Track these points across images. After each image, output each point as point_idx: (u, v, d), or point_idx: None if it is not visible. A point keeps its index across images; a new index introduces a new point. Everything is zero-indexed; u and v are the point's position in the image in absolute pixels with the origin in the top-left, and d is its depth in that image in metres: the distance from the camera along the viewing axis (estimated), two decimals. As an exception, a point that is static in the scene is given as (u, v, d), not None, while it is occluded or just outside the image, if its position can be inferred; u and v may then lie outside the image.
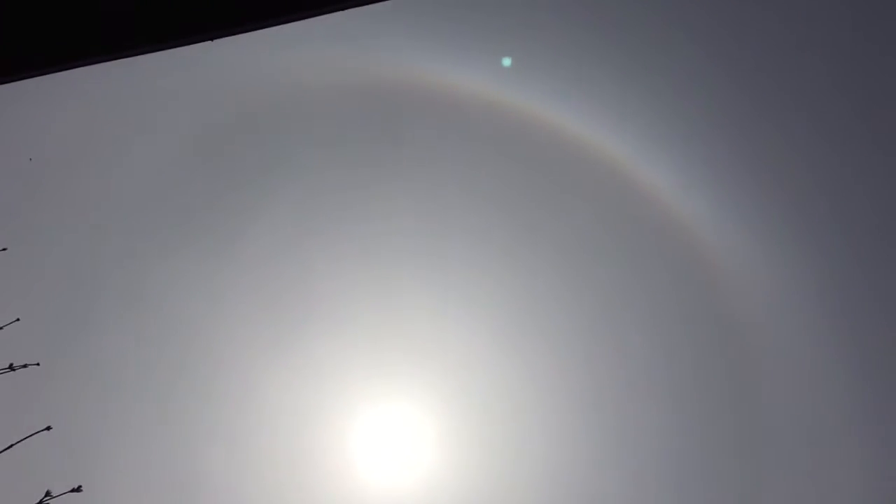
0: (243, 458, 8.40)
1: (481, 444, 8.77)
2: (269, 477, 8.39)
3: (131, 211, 8.51)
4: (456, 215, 9.01)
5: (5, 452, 3.43)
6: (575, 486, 8.55)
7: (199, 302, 8.66)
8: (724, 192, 8.68)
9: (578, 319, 8.98)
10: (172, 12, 2.30)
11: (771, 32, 8.09)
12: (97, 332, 8.06)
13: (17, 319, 3.45)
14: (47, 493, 3.41)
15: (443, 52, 8.68)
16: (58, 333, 7.65)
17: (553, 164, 8.90)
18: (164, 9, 2.30)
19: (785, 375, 8.30)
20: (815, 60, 8.01)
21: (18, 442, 3.42)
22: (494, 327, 9.04)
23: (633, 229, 8.91)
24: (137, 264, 8.48)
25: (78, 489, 3.44)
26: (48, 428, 3.43)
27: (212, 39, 2.32)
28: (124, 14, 2.28)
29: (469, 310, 9.03)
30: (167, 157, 8.71)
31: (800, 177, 8.31)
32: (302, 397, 8.73)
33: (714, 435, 8.51)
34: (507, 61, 8.52)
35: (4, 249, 3.35)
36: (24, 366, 3.35)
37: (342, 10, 2.27)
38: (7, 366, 3.35)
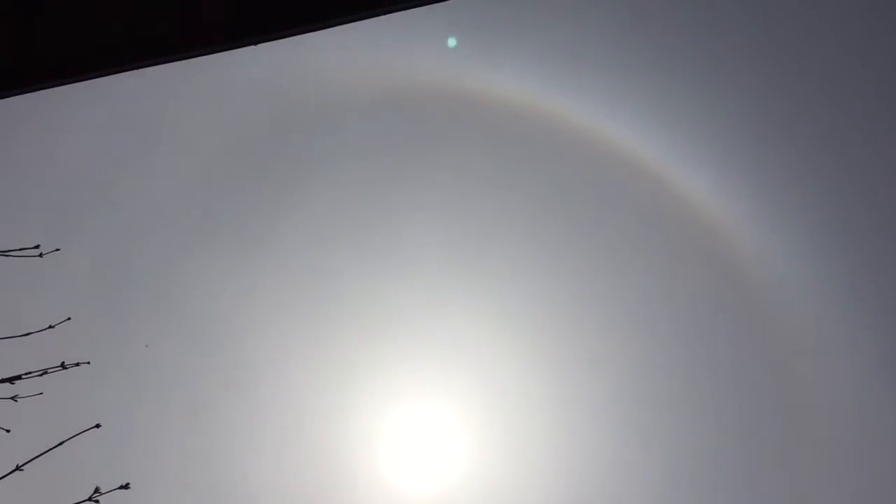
0: (274, 458, 8.47)
1: (512, 447, 8.74)
2: (298, 477, 8.45)
3: (170, 213, 8.63)
4: (489, 217, 8.99)
5: (56, 449, 3.49)
6: (608, 488, 8.48)
7: (232, 301, 8.75)
8: (761, 193, 8.56)
9: (614, 322, 8.91)
10: (213, 19, 2.32)
11: (815, 21, 7.96)
12: (139, 330, 8.20)
13: (69, 318, 3.52)
14: (96, 490, 3.46)
15: (481, 60, 8.68)
16: (105, 332, 7.80)
17: (585, 166, 8.85)
18: (206, 15, 2.32)
19: (827, 378, 8.15)
20: (860, 51, 7.86)
21: (69, 439, 3.48)
22: (529, 329, 9.01)
23: (668, 231, 8.81)
24: (175, 264, 8.61)
25: (126, 486, 3.48)
26: (97, 426, 3.48)
27: (254, 45, 2.34)
28: (170, 15, 2.31)
29: (503, 311, 9.00)
30: (201, 162, 8.82)
31: (840, 174, 8.16)
32: (331, 397, 8.77)
33: (752, 438, 8.38)
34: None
35: (58, 250, 3.41)
36: (77, 364, 3.41)
37: (385, 13, 2.28)
38: (59, 364, 3.41)
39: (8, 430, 3.41)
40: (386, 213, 8.92)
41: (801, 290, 8.42)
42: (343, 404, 8.63)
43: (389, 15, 2.18)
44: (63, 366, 3.41)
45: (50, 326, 3.54)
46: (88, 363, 3.46)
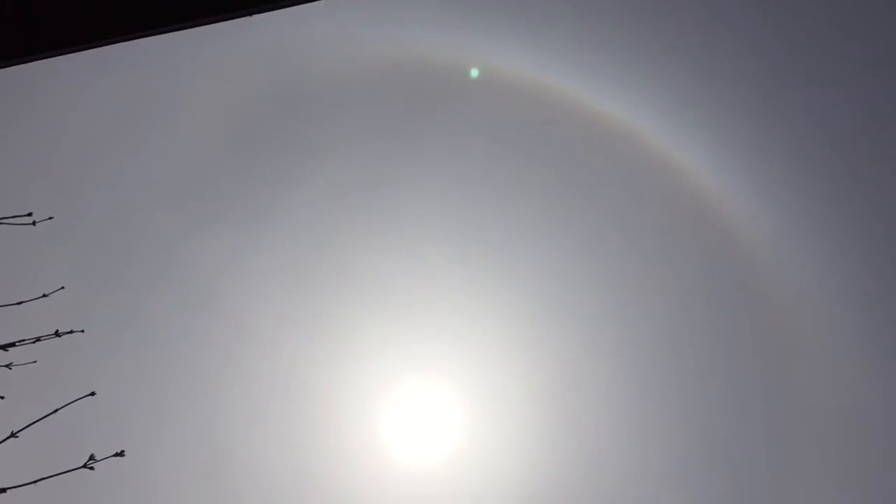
0: (274, 433, 8.53)
1: (513, 425, 8.78)
2: (299, 453, 8.50)
3: (169, 184, 8.62)
4: (488, 195, 8.97)
5: (51, 416, 3.52)
6: (605, 467, 8.54)
7: (231, 275, 8.76)
8: (760, 173, 8.52)
9: (614, 301, 8.92)
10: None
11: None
12: (137, 301, 8.22)
13: (62, 287, 3.53)
14: (91, 457, 3.48)
15: (485, 37, 8.61)
16: (99, 302, 7.82)
17: (584, 144, 8.81)
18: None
19: (824, 364, 8.17)
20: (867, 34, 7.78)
21: (64, 407, 3.50)
22: (530, 307, 9.02)
23: (669, 211, 8.78)
24: (175, 236, 8.61)
25: (121, 454, 3.50)
26: (92, 393, 3.50)
27: (250, 15, 2.33)
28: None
29: (504, 289, 9.01)
30: (202, 131, 8.78)
31: (844, 157, 8.11)
32: (333, 374, 8.80)
33: (747, 423, 8.42)
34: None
35: (51, 218, 3.41)
36: (70, 332, 3.43)
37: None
38: (53, 332, 3.43)
39: (2, 397, 3.43)
40: (387, 189, 8.91)
41: (801, 273, 8.42)
42: (344, 381, 8.68)
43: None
44: (57, 334, 3.43)
45: (44, 295, 3.55)
46: (83, 331, 3.48)
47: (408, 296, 8.89)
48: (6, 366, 3.44)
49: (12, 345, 3.39)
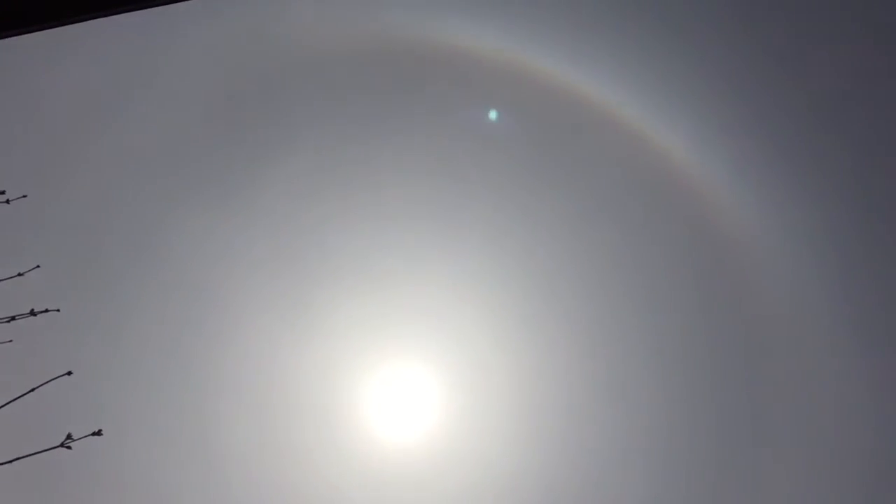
0: (254, 413, 8.54)
1: (491, 406, 8.86)
2: (279, 432, 8.53)
3: (146, 161, 8.53)
4: (471, 174, 8.97)
5: (27, 396, 3.50)
6: (584, 446, 8.65)
7: (213, 256, 8.72)
8: (742, 158, 8.59)
9: (593, 286, 8.98)
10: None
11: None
12: (114, 283, 8.16)
13: (38, 266, 3.50)
14: (68, 436, 3.48)
15: (465, 13, 8.56)
16: (76, 281, 7.75)
17: (568, 122, 8.82)
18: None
19: (810, 362, 8.29)
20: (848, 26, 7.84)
21: (40, 386, 3.48)
22: (512, 289, 9.06)
23: (655, 196, 8.84)
24: (154, 218, 8.54)
25: (98, 433, 3.50)
26: (69, 373, 3.49)
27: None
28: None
29: (485, 271, 9.05)
30: (182, 114, 8.70)
31: (827, 143, 8.20)
32: (311, 354, 8.82)
33: (732, 420, 8.54)
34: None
35: (24, 196, 3.38)
36: (45, 311, 3.40)
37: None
38: (28, 311, 3.40)
39: (-22, 376, 3.41)
40: (367, 169, 8.88)
41: (783, 255, 8.52)
42: (324, 360, 8.69)
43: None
44: (32, 313, 3.40)
45: (19, 274, 3.52)
46: (58, 311, 3.46)
47: (388, 276, 8.90)
48: (-19, 345, 3.42)
49: (-13, 324, 3.36)
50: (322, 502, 8.45)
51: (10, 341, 3.49)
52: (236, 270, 8.79)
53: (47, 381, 3.51)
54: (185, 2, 2.35)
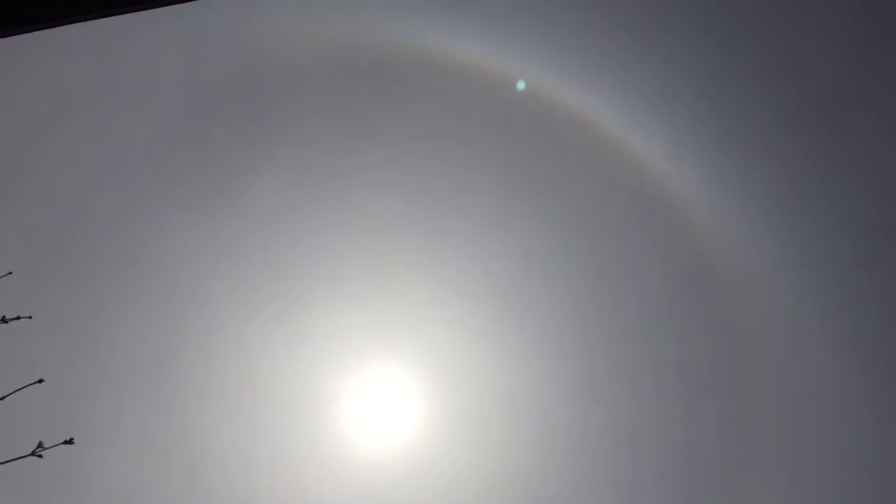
0: (234, 418, 8.48)
1: (470, 410, 8.88)
2: (259, 436, 8.48)
3: (127, 167, 8.47)
4: (453, 177, 9.00)
5: (-2, 404, 3.46)
6: (560, 454, 8.69)
7: (193, 260, 8.66)
8: (717, 164, 8.69)
9: (574, 289, 9.04)
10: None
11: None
12: (90, 287, 8.07)
13: (10, 273, 3.46)
14: (39, 445, 3.44)
15: (443, 20, 8.60)
16: (51, 288, 7.66)
17: (549, 128, 8.89)
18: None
19: (778, 349, 8.39)
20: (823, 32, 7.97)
21: (11, 394, 3.45)
22: (490, 293, 9.09)
23: (632, 203, 8.91)
24: (132, 221, 8.47)
25: (70, 441, 3.47)
26: (40, 381, 3.45)
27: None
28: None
29: (465, 275, 9.07)
30: (163, 115, 8.65)
31: (803, 148, 8.31)
32: (290, 357, 8.78)
33: (702, 409, 8.62)
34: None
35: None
36: (17, 318, 3.36)
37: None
38: (0, 318, 3.36)
39: (-54, 384, 3.36)
40: (347, 172, 8.87)
41: (761, 259, 8.62)
42: (299, 363, 8.66)
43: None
44: (4, 320, 3.36)
45: (-9, 280, 3.48)
46: (30, 318, 3.42)
47: (367, 281, 8.89)
48: (-49, 352, 3.37)
49: (-43, 331, 3.32)
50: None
51: (-19, 348, 3.45)
52: (216, 278, 8.74)
53: (18, 389, 3.47)
54: (185, 3, 2.36)
